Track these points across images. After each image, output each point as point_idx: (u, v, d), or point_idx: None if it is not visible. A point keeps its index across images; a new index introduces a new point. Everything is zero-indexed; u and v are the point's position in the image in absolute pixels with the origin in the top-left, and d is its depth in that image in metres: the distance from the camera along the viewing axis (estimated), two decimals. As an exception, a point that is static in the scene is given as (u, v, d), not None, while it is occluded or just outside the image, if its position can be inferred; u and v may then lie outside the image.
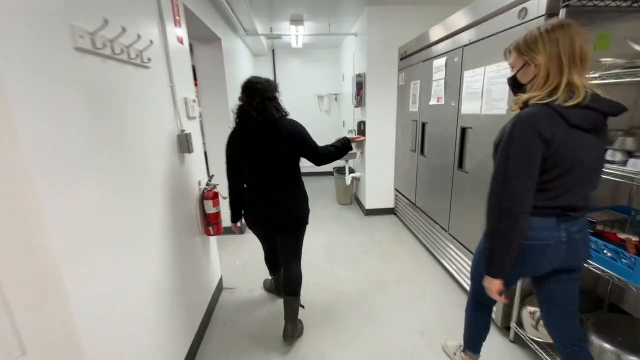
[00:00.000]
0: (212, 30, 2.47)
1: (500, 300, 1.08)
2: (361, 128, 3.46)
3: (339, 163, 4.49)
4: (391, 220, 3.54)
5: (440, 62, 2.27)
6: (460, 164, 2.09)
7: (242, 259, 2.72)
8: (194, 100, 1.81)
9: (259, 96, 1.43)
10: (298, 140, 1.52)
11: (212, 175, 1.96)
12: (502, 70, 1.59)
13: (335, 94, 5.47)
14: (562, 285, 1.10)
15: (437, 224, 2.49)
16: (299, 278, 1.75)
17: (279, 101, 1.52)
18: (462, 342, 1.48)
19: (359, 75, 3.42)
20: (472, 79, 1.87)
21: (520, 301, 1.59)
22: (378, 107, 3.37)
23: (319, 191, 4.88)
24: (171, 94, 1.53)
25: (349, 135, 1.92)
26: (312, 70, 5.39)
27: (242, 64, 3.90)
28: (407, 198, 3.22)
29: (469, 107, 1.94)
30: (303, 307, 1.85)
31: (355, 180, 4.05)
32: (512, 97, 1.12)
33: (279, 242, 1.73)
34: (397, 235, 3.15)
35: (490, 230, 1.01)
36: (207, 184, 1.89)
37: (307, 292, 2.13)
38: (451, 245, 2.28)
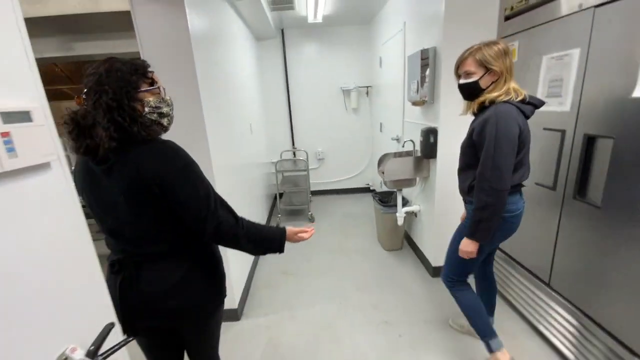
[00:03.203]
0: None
1: (471, 256, 1.33)
2: (430, 141, 2.10)
3: (379, 184, 3.14)
4: (477, 287, 2.19)
5: None
6: None
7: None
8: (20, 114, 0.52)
9: (96, 101, 0.74)
10: (161, 189, 0.77)
11: (112, 327, 0.67)
12: None
13: (367, 87, 4.10)
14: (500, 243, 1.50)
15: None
16: None
17: (149, 104, 0.80)
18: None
19: (424, 54, 2.06)
20: None
21: None
22: (458, 105, 2.01)
23: (349, 221, 3.51)
24: None
25: (291, 227, 0.99)
26: (335, 56, 4.02)
27: (236, 51, 2.59)
28: (518, 262, 1.87)
29: None
30: None
31: (410, 214, 2.70)
32: None
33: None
34: (503, 330, 1.79)
35: (482, 205, 1.24)
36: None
37: None
38: None
